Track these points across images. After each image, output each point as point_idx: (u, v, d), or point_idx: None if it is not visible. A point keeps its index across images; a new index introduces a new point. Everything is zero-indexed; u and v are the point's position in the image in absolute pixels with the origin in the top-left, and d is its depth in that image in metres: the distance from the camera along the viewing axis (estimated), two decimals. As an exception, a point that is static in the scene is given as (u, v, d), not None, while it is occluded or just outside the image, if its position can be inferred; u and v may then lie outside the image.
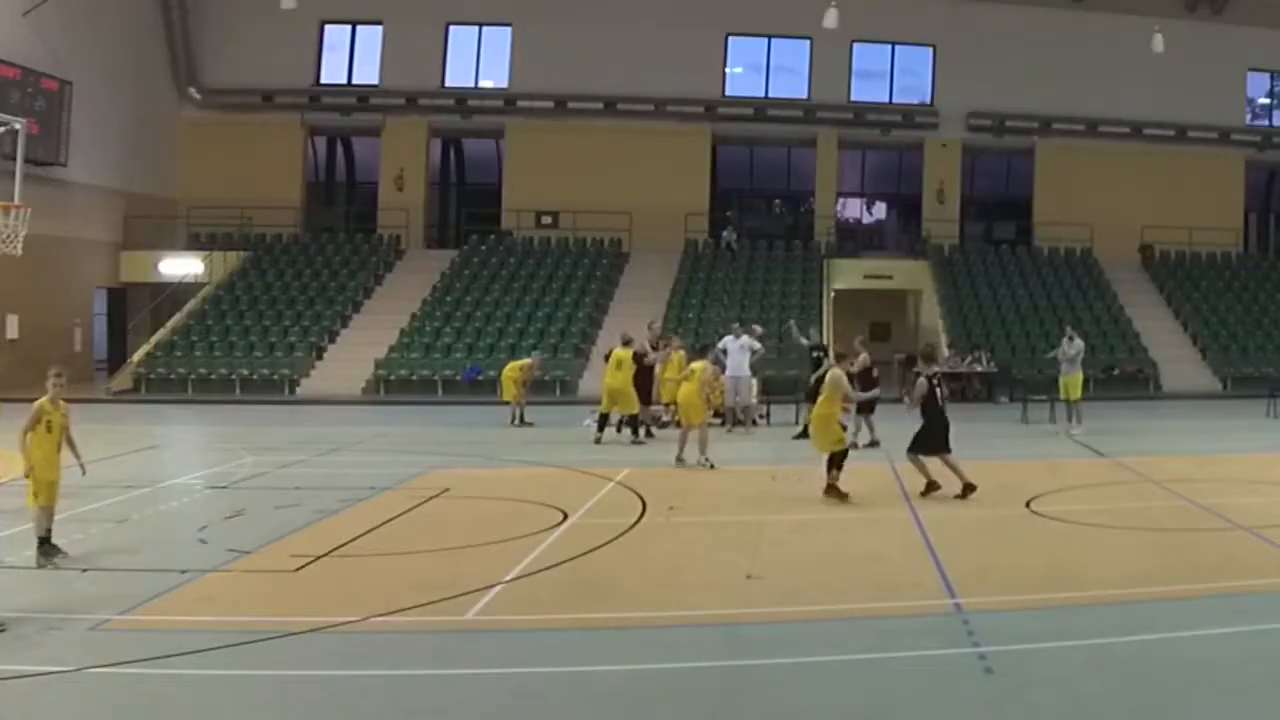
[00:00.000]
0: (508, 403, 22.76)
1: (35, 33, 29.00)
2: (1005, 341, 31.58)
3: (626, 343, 20.39)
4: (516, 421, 22.23)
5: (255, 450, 18.27)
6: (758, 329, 23.78)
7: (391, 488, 14.62)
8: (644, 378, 20.33)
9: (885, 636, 8.24)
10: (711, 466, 16.07)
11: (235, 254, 34.91)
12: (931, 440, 13.85)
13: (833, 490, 13.60)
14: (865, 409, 18.32)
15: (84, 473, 11.14)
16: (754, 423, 22.91)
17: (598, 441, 19.27)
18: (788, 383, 26.04)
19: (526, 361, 23.54)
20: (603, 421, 19.72)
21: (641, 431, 19.84)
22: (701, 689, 7.38)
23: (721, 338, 23.27)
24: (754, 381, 22.72)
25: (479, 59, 37.91)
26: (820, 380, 15.65)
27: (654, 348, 21.29)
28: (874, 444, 18.50)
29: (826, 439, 13.81)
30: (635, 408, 19.68)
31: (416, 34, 36.76)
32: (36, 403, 10.69)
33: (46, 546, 10.55)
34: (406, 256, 36.02)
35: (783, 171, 40.41)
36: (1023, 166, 38.91)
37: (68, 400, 10.98)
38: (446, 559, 10.84)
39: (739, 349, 22.13)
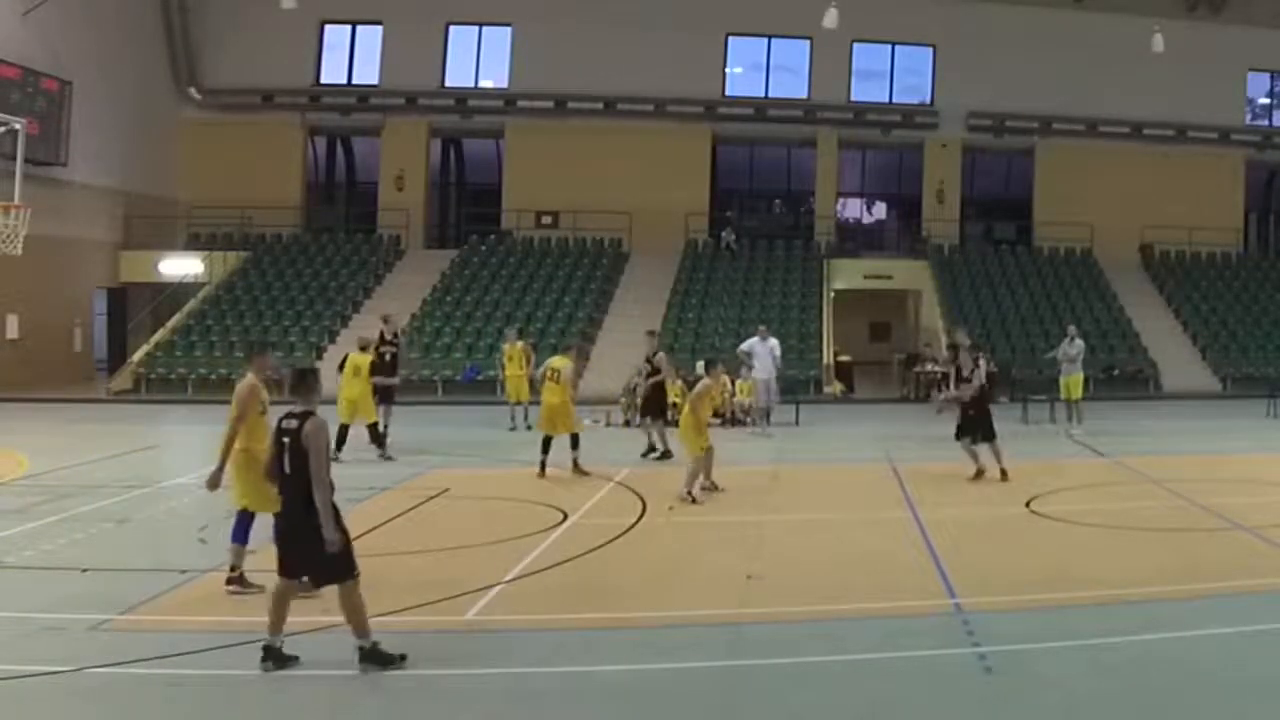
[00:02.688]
0: (520, 403, 21.53)
1: (35, 33, 28.99)
2: (1005, 341, 31.56)
3: (363, 347, 18.49)
4: (528, 423, 20.75)
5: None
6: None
7: (391, 488, 14.62)
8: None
9: (885, 636, 8.25)
10: (693, 501, 13.79)
11: (235, 254, 34.87)
12: (652, 408, 18.18)
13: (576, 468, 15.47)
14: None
15: None
16: (753, 422, 22.96)
17: (335, 458, 17.44)
18: (788, 383, 26.00)
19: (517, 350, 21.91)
20: (342, 434, 16.81)
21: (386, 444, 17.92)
22: (701, 689, 7.38)
23: (746, 339, 22.99)
24: (775, 383, 22.33)
25: (479, 59, 37.89)
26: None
27: (378, 348, 19.06)
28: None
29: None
30: (374, 415, 17.74)
31: (416, 34, 36.73)
32: None
33: None
34: (406, 256, 35.99)
35: (783, 171, 40.38)
36: (1023, 166, 38.89)
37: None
38: (446, 559, 10.84)
39: (766, 351, 21.80)
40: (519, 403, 21.51)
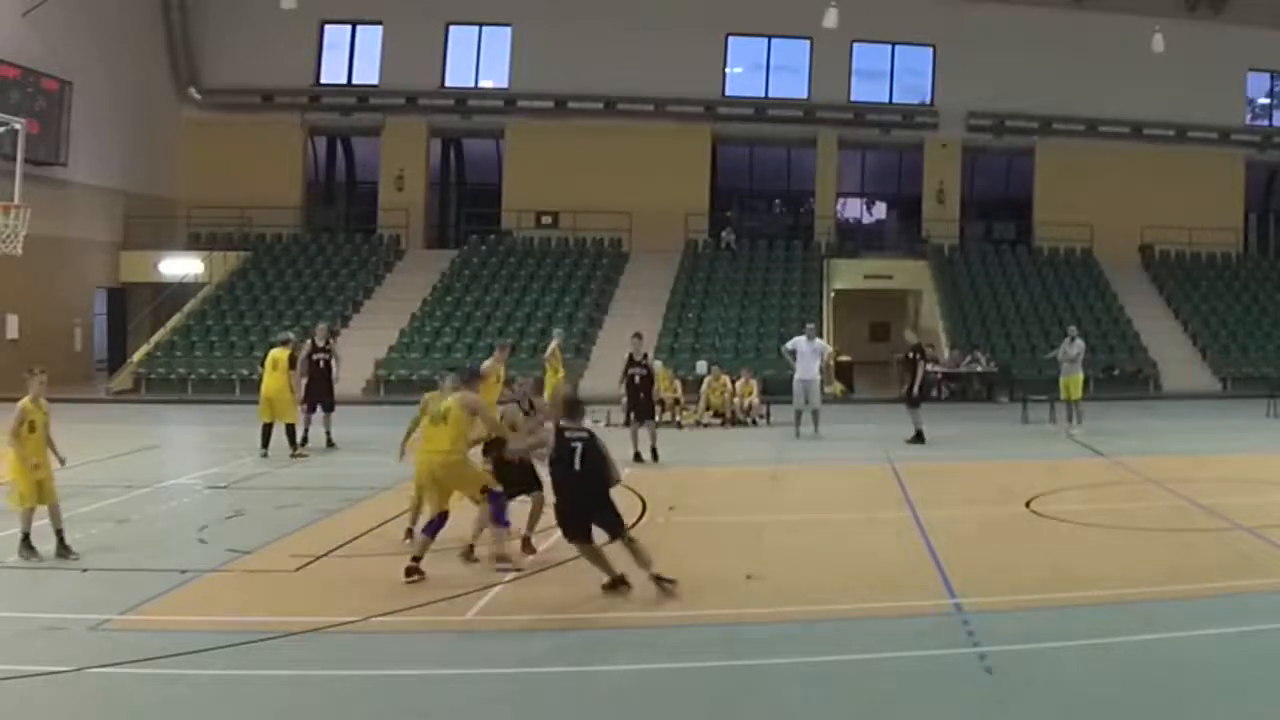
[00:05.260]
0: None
1: (35, 33, 28.98)
2: (1005, 341, 31.57)
3: (284, 342, 18.56)
4: None
5: (255, 450, 18.25)
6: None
7: (391, 488, 14.58)
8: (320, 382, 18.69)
9: (885, 636, 8.25)
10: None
11: (235, 254, 34.89)
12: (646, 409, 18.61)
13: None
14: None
15: (62, 464, 11.13)
16: (754, 422, 22.93)
17: (264, 456, 17.42)
18: (788, 384, 25.97)
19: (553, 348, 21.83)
20: (266, 433, 17.61)
21: (299, 442, 18.03)
22: (701, 689, 7.38)
23: (792, 339, 22.28)
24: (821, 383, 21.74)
25: (479, 59, 37.91)
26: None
27: (311, 355, 19.01)
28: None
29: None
30: (293, 416, 17.92)
31: (416, 34, 36.75)
32: (19, 403, 10.73)
33: (28, 546, 10.53)
34: (406, 256, 36.01)
35: (783, 171, 40.39)
36: (1023, 166, 38.90)
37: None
38: (446, 559, 10.83)
39: (811, 352, 21.01)
40: None
